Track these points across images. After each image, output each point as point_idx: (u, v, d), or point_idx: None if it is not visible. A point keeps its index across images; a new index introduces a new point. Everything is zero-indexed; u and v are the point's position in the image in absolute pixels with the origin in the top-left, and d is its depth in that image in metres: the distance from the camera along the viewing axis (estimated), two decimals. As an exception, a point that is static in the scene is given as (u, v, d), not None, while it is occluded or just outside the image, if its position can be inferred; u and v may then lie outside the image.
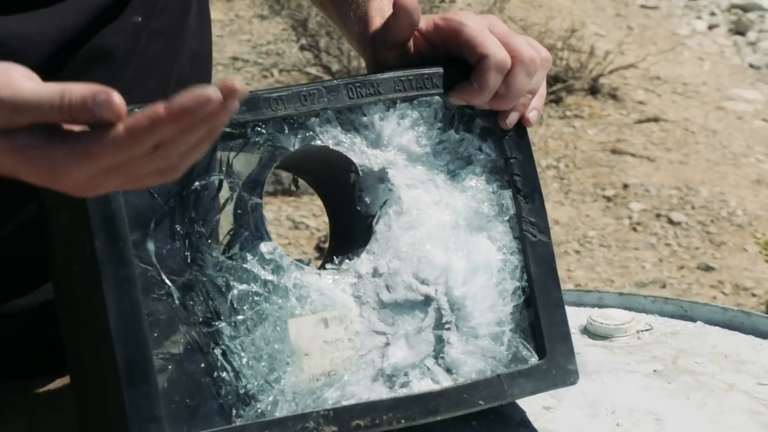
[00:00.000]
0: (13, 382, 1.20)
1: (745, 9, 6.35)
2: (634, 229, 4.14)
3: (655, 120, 4.87)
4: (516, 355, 1.17)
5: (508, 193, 1.17)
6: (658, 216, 4.21)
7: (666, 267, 3.93)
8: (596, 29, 5.84)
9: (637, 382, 1.30)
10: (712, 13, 6.38)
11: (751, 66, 5.76)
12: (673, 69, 5.47)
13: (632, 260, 3.96)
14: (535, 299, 1.17)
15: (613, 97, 5.01)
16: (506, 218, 1.17)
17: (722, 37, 6.09)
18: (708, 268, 3.91)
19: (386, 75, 1.13)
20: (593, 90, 5.02)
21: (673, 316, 1.47)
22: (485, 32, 1.13)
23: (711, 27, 6.22)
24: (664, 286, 3.80)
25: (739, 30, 6.15)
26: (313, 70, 5.00)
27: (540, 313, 1.17)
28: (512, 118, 1.16)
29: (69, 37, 1.13)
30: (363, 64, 4.74)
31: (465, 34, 1.13)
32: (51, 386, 1.21)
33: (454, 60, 1.15)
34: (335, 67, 4.92)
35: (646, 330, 1.43)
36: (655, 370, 1.33)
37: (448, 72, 1.15)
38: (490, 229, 1.16)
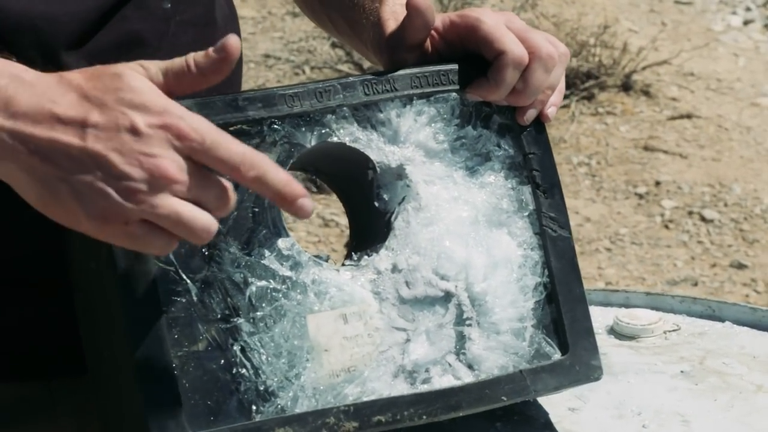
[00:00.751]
0: (62, 380, 1.20)
1: (781, 4, 6.29)
2: (666, 227, 4.11)
3: (688, 116, 4.84)
4: (538, 351, 1.16)
5: (527, 189, 1.17)
6: (690, 213, 4.18)
7: (698, 265, 3.91)
8: (630, 25, 5.81)
9: (663, 383, 1.29)
10: (748, 9, 6.33)
11: (787, 62, 5.71)
12: (707, 65, 5.43)
13: (664, 258, 3.94)
14: (557, 295, 1.16)
15: (646, 93, 4.98)
16: (526, 214, 1.17)
17: (758, 33, 6.04)
18: (741, 266, 3.88)
19: (402, 71, 1.13)
20: (626, 86, 4.99)
21: (701, 316, 1.46)
22: (502, 28, 1.13)
23: (746, 22, 6.17)
24: (696, 284, 3.77)
25: (774, 25, 6.09)
26: (344, 68, 5.00)
27: (562, 309, 1.16)
28: (530, 114, 1.16)
29: (96, 18, 1.13)
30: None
31: (482, 30, 1.13)
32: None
33: (472, 57, 1.15)
34: (367, 64, 4.92)
35: (674, 330, 1.42)
36: (682, 371, 1.32)
37: (465, 68, 1.15)
38: (510, 225, 1.16)
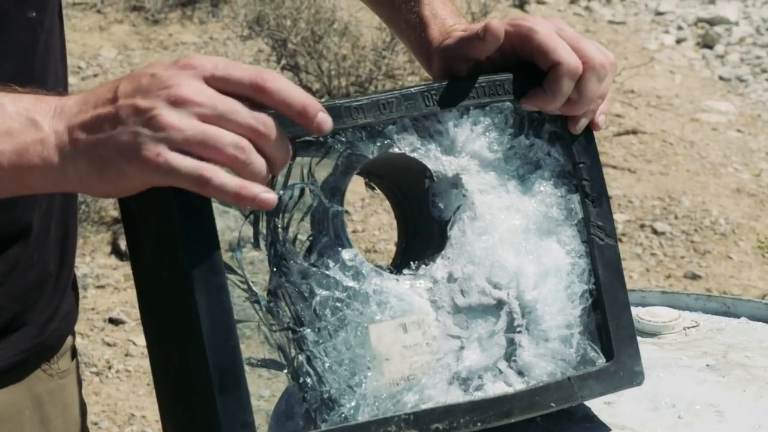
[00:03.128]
0: None
1: (712, 23, 6.43)
2: (620, 240, 4.17)
3: (634, 132, 4.92)
4: (584, 357, 1.18)
5: (576, 198, 1.19)
6: (642, 226, 4.25)
7: (653, 276, 3.97)
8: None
9: (691, 376, 1.33)
10: (680, 27, 6.46)
11: (721, 78, 5.83)
12: (646, 82, 5.53)
13: (620, 270, 4.00)
14: (603, 302, 1.19)
15: (591, 110, 5.06)
16: (574, 222, 1.19)
17: (691, 51, 6.16)
18: (695, 277, 3.96)
19: (460, 82, 1.14)
20: (571, 104, 5.06)
21: (716, 313, 1.50)
22: (555, 38, 1.14)
23: (679, 41, 6.30)
24: (655, 295, 3.83)
25: (706, 43, 6.22)
26: (292, 90, 5.01)
27: (608, 316, 1.18)
28: (582, 123, 1.18)
29: None
30: (343, 83, 4.70)
31: (536, 40, 1.14)
32: None
33: (524, 65, 1.16)
34: (315, 86, 4.94)
35: (693, 327, 1.46)
36: (707, 365, 1.35)
37: (519, 78, 1.16)
38: (560, 233, 1.18)
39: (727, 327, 1.46)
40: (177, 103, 0.97)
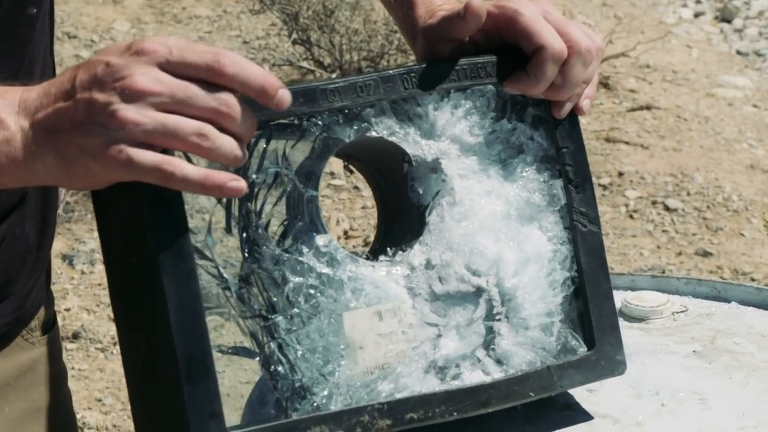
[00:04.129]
0: None
1: (730, -4, 6.37)
2: (631, 217, 4.14)
3: (648, 108, 4.88)
4: (565, 345, 1.17)
5: (559, 183, 1.16)
6: (654, 203, 4.22)
7: (664, 253, 3.94)
8: (584, 19, 5.85)
9: (677, 362, 1.31)
10: (698, 1, 6.40)
11: (739, 53, 5.78)
12: (662, 57, 5.48)
13: (630, 247, 3.97)
14: (585, 290, 1.17)
15: (605, 86, 5.02)
16: (557, 208, 1.17)
17: (709, 25, 6.11)
18: (706, 254, 3.93)
19: (441, 65, 1.12)
20: (585, 79, 5.02)
21: (706, 298, 1.47)
22: (541, 21, 1.12)
23: (697, 15, 6.24)
24: (663, 272, 3.81)
25: (725, 17, 6.17)
26: (305, 64, 5.00)
27: (590, 304, 1.17)
28: (566, 108, 1.16)
29: None
30: (354, 58, 4.69)
31: (520, 23, 1.12)
32: None
33: (508, 48, 1.14)
34: (327, 60, 4.91)
35: (682, 311, 1.44)
36: (694, 351, 1.33)
37: (502, 61, 1.14)
38: (541, 220, 1.16)
39: (717, 312, 1.44)
40: (133, 95, 0.96)
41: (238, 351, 1.04)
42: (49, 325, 1.39)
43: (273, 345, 1.04)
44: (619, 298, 1.44)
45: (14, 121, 0.99)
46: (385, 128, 1.10)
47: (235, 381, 1.04)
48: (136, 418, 1.07)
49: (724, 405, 1.22)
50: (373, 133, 1.09)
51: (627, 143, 4.58)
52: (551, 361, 1.15)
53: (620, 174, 4.38)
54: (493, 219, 1.14)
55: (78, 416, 3.06)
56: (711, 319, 1.42)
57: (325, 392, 1.05)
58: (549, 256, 1.16)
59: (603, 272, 1.18)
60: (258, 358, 1.04)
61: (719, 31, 6.03)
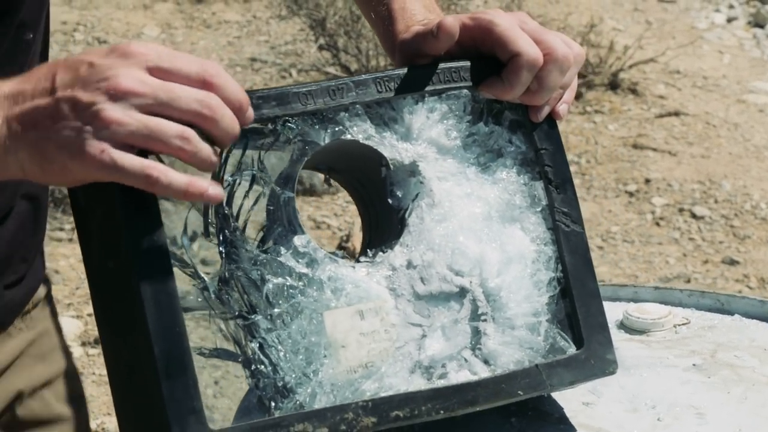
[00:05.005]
0: None
1: (764, 1, 6.31)
2: (657, 224, 4.11)
3: (676, 114, 4.85)
4: (553, 345, 1.16)
5: (539, 185, 1.17)
6: (681, 210, 4.18)
7: (690, 261, 3.91)
8: (615, 24, 5.82)
9: (676, 376, 1.29)
10: (731, 6, 6.35)
11: (771, 58, 5.73)
12: (693, 63, 5.44)
13: (656, 255, 3.94)
14: (571, 289, 1.16)
15: (633, 91, 4.99)
16: (539, 209, 1.17)
17: (741, 30, 6.06)
18: (733, 262, 3.89)
19: (414, 70, 1.13)
20: (613, 85, 5.00)
21: (710, 310, 1.45)
22: (516, 30, 1.13)
23: (729, 20, 6.20)
24: (688, 281, 3.77)
25: (758, 22, 6.12)
26: (331, 70, 5.00)
27: (576, 303, 1.16)
28: (543, 112, 1.17)
29: None
30: (382, 63, 4.70)
31: (496, 33, 1.13)
32: None
33: (485, 57, 1.15)
34: (354, 66, 4.91)
35: (684, 324, 1.42)
36: (694, 364, 1.31)
37: (477, 65, 1.15)
38: (523, 220, 1.16)
39: (720, 324, 1.42)
40: (118, 95, 0.96)
41: (220, 353, 1.04)
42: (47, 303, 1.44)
43: (254, 345, 1.04)
44: (621, 309, 1.43)
45: None
46: (360, 132, 1.10)
47: (217, 380, 1.04)
48: (120, 422, 1.07)
49: (720, 420, 1.21)
50: (349, 137, 1.09)
51: (654, 150, 4.55)
52: (539, 360, 1.14)
53: (647, 181, 4.35)
54: (474, 220, 1.14)
55: (97, 422, 3.07)
56: (713, 332, 1.40)
57: (309, 391, 1.05)
58: (533, 256, 1.16)
59: (588, 271, 1.17)
60: (239, 359, 1.04)
61: (752, 37, 5.99)
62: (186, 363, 1.00)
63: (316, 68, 5.11)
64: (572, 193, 1.17)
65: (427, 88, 1.13)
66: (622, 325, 1.42)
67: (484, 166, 1.15)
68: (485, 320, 1.13)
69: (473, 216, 1.14)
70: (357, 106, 1.10)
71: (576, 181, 4.37)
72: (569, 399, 1.24)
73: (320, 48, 5.09)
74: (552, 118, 1.18)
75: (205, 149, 0.98)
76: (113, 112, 0.95)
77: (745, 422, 1.20)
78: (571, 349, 1.16)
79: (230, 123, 0.99)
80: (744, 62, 5.60)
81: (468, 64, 1.15)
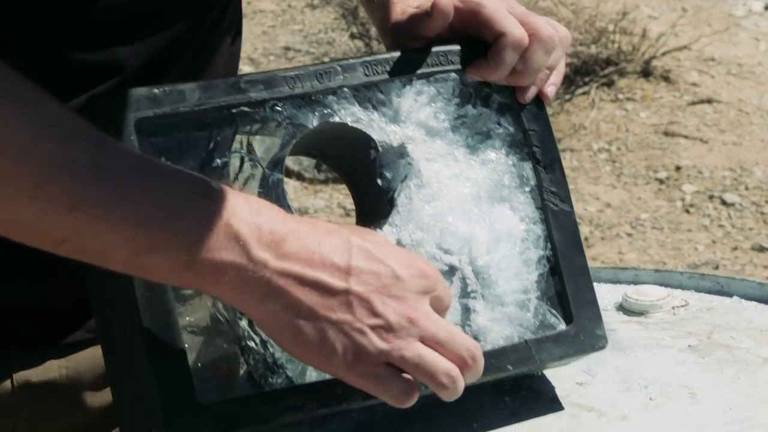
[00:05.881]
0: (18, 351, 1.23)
1: (802, -12, 6.26)
2: (687, 211, 4.11)
3: (709, 101, 4.83)
4: (543, 322, 1.18)
5: (528, 165, 1.19)
6: (711, 197, 4.18)
7: (719, 248, 3.91)
8: (649, 11, 5.79)
9: (671, 357, 1.30)
10: (769, -7, 6.30)
11: (808, 46, 5.69)
12: (728, 50, 5.42)
13: (685, 242, 3.94)
14: (560, 267, 1.18)
15: (666, 79, 4.97)
16: (527, 189, 1.19)
17: (779, 17, 6.02)
18: (762, 249, 3.88)
19: (402, 53, 1.16)
20: (646, 72, 4.99)
21: (709, 292, 1.47)
22: (503, 11, 1.16)
23: (767, 7, 6.15)
24: (717, 268, 3.77)
25: (795, 9, 6.07)
26: (364, 59, 5.01)
27: (565, 281, 1.18)
28: (530, 93, 1.19)
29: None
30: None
31: (483, 14, 1.16)
32: (53, 359, 1.24)
33: (473, 40, 1.17)
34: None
35: (682, 306, 1.43)
36: (689, 346, 1.33)
37: (465, 49, 1.17)
38: (512, 200, 1.18)
39: (718, 306, 1.43)
40: (408, 321, 1.00)
41: (210, 330, 1.06)
42: None
43: (243, 323, 1.06)
44: (620, 292, 1.44)
45: (256, 251, 0.96)
46: (348, 115, 1.13)
47: (207, 357, 1.05)
48: (114, 397, 1.09)
49: (712, 400, 1.22)
50: (337, 119, 1.12)
51: (686, 137, 4.54)
52: (529, 336, 1.16)
53: (677, 168, 4.34)
54: (463, 200, 1.16)
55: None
56: (711, 314, 1.41)
57: (299, 367, 1.07)
58: (522, 235, 1.18)
59: (577, 249, 1.19)
60: (230, 335, 1.06)
61: (789, 24, 5.94)
62: (175, 338, 1.01)
63: (349, 57, 5.13)
64: (560, 173, 1.19)
65: (415, 72, 1.15)
66: (621, 308, 1.43)
67: (472, 147, 1.17)
68: (475, 298, 1.15)
69: (462, 196, 1.16)
70: (345, 89, 1.12)
71: (606, 169, 4.37)
72: (563, 379, 1.26)
73: (352, 36, 5.12)
74: (540, 100, 1.20)
75: (460, 389, 1.03)
76: (399, 333, 0.99)
77: (736, 402, 1.21)
78: (561, 326, 1.18)
79: (479, 373, 1.05)
80: (780, 49, 5.57)
81: (457, 47, 1.17)
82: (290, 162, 4.32)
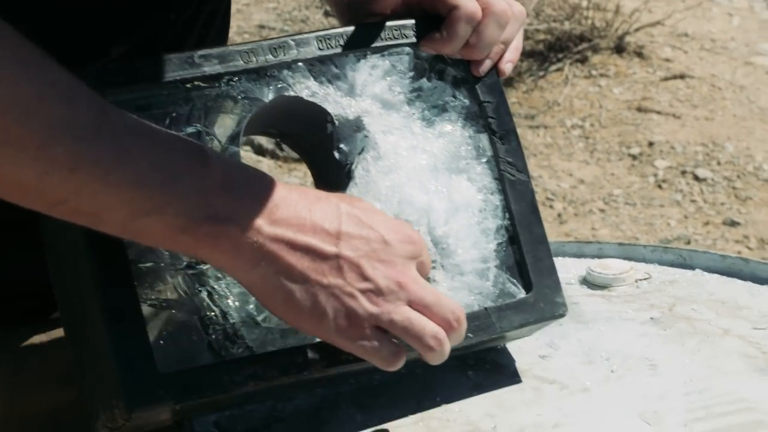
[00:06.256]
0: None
1: (776, -37, 6.27)
2: (660, 187, 4.12)
3: (682, 77, 4.84)
4: (503, 290, 1.18)
5: (484, 137, 1.20)
6: (683, 173, 4.19)
7: (691, 223, 3.92)
8: (623, -13, 5.80)
9: (633, 329, 1.31)
10: (742, -32, 6.32)
11: (781, 21, 5.70)
12: (702, 25, 5.43)
13: (657, 217, 3.95)
14: (518, 236, 1.19)
15: (639, 55, 4.98)
16: (484, 160, 1.20)
17: (752, -8, 6.03)
18: (733, 224, 3.90)
19: (356, 27, 1.16)
20: (619, 49, 4.99)
21: (672, 265, 1.48)
22: None
23: (740, -18, 6.16)
24: (689, 243, 3.79)
25: (769, -16, 6.08)
26: (337, 36, 5.00)
27: (524, 249, 1.19)
28: (485, 67, 1.20)
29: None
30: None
31: None
32: (36, 335, 1.24)
33: (428, 16, 1.18)
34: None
35: (645, 279, 1.44)
36: (651, 318, 1.34)
37: (419, 23, 1.18)
38: (469, 171, 1.19)
39: (681, 279, 1.44)
40: (399, 288, 1.02)
41: (170, 300, 1.06)
42: None
43: (203, 295, 1.06)
44: (584, 266, 1.45)
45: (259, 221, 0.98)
46: (303, 88, 1.13)
47: (168, 328, 1.06)
48: (76, 373, 1.09)
49: (672, 371, 1.23)
50: (292, 93, 1.12)
51: (659, 113, 4.55)
52: (489, 305, 1.16)
53: (650, 144, 4.36)
54: (420, 172, 1.17)
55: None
56: (673, 287, 1.42)
57: (259, 336, 1.08)
58: (480, 205, 1.19)
59: (535, 218, 1.20)
60: (190, 306, 1.06)
61: (762, -1, 5.96)
62: (133, 309, 1.02)
63: (303, 32, 5.11)
64: (516, 144, 1.20)
65: (369, 46, 1.16)
66: (585, 281, 1.44)
67: (429, 120, 1.18)
68: (434, 267, 1.16)
69: (419, 168, 1.17)
70: (299, 63, 1.13)
71: (579, 145, 4.38)
72: (527, 352, 1.27)
73: (326, 14, 5.11)
74: (495, 72, 1.21)
75: (447, 352, 1.05)
76: (388, 297, 1.01)
77: (696, 373, 1.22)
78: (521, 294, 1.19)
79: (462, 336, 1.07)
80: (753, 24, 5.58)
81: (411, 22, 1.18)
82: (264, 141, 4.31)
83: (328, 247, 1.00)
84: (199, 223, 0.96)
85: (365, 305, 1.01)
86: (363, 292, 1.01)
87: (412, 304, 1.03)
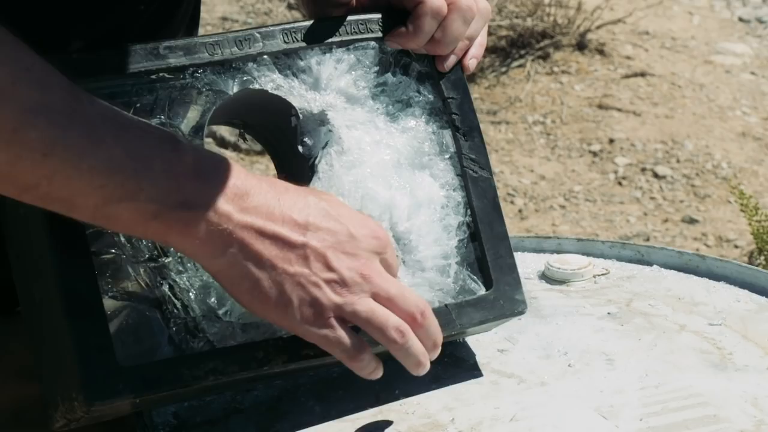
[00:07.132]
0: None
1: (736, -37, 6.32)
2: (620, 184, 4.15)
3: (642, 75, 4.87)
4: (463, 287, 1.19)
5: (447, 133, 1.20)
6: (643, 170, 4.22)
7: (650, 220, 3.95)
8: (586, -15, 5.83)
9: (590, 324, 1.33)
10: (703, -32, 6.36)
11: (741, 20, 5.75)
12: (662, 24, 5.46)
13: (617, 214, 3.98)
14: (480, 233, 1.19)
15: (601, 52, 5.01)
16: (447, 156, 1.20)
17: (712, -9, 6.07)
18: (692, 221, 3.93)
19: (322, 21, 1.16)
20: (581, 46, 5.02)
21: (630, 261, 1.49)
22: None
23: (701, -19, 6.20)
24: (648, 239, 3.82)
25: (729, -16, 6.12)
26: (300, 29, 5.00)
27: (485, 246, 1.19)
28: (450, 62, 1.20)
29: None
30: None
31: None
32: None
33: (394, 10, 1.19)
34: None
35: (603, 274, 1.45)
36: (609, 313, 1.35)
37: (385, 18, 1.19)
38: (432, 167, 1.20)
39: (638, 275, 1.45)
40: (363, 280, 1.04)
41: (131, 294, 1.06)
42: None
43: (164, 287, 1.07)
44: (543, 261, 1.46)
45: (221, 202, 0.99)
46: (268, 82, 1.14)
47: (129, 321, 1.06)
48: (36, 364, 1.09)
49: (629, 366, 1.24)
50: (257, 86, 1.12)
51: (619, 110, 4.58)
52: (449, 301, 1.17)
53: (611, 141, 4.38)
54: (384, 167, 1.18)
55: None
56: (631, 282, 1.43)
57: (220, 331, 1.08)
58: (442, 201, 1.19)
59: (497, 215, 1.21)
60: (152, 300, 1.06)
61: (723, -2, 6.00)
62: (94, 302, 1.02)
63: (268, 24, 5.11)
64: (479, 140, 1.21)
65: (335, 40, 1.16)
66: (544, 276, 1.45)
67: (393, 115, 1.19)
68: None
69: (383, 163, 1.17)
70: (265, 56, 1.13)
71: (541, 141, 4.40)
72: (485, 346, 1.28)
73: (289, 7, 5.10)
74: (459, 68, 1.21)
75: (418, 347, 1.07)
76: (352, 289, 1.03)
77: (652, 367, 1.24)
78: (481, 291, 1.20)
79: (435, 333, 1.09)
80: (713, 23, 5.62)
81: (377, 16, 1.18)
82: (226, 133, 4.30)
83: (296, 237, 1.01)
84: (170, 208, 0.96)
85: (329, 295, 1.02)
86: (327, 282, 1.02)
87: (376, 296, 1.04)
